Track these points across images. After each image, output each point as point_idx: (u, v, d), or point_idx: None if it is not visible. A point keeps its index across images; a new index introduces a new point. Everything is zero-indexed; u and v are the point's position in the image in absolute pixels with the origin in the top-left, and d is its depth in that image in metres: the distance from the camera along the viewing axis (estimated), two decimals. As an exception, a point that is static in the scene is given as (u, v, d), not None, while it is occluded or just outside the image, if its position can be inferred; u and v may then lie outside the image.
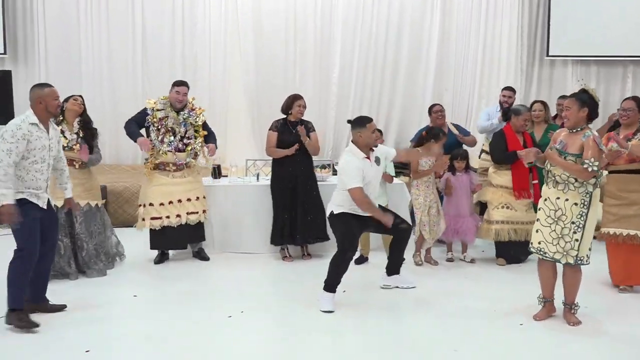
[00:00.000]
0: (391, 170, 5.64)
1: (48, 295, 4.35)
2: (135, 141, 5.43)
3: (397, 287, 4.89)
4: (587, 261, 4.03)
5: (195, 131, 5.63)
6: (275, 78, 9.09)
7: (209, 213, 5.85)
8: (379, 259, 5.57)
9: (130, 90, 8.97)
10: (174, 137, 5.49)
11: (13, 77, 7.56)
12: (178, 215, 5.55)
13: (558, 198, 3.99)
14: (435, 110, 6.37)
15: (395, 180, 5.97)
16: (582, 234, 3.97)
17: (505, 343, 3.86)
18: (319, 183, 5.99)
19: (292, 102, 5.73)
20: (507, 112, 5.72)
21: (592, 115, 4.02)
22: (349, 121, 4.72)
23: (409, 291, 4.85)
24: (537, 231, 4.12)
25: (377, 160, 4.63)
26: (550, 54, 9.32)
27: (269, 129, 5.77)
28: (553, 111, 6.61)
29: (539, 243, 4.10)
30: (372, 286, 4.96)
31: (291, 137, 5.68)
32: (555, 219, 4.01)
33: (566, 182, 3.96)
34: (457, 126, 6.57)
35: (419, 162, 5.57)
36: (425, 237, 5.58)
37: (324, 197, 5.81)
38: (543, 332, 4.01)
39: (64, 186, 4.42)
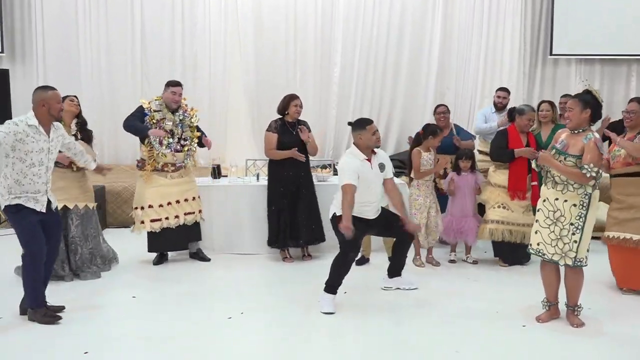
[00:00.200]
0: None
1: (47, 296, 4.34)
2: (146, 135, 5.35)
3: (398, 288, 4.90)
4: (585, 262, 4.04)
5: (191, 131, 5.65)
6: (275, 78, 9.08)
7: (208, 213, 5.87)
8: (380, 260, 5.59)
9: (130, 89, 8.96)
10: (172, 138, 5.50)
11: (11, 76, 7.56)
12: (176, 216, 5.57)
13: (557, 199, 4.00)
14: (438, 112, 6.39)
15: (396, 180, 5.96)
16: (581, 235, 3.97)
17: (507, 344, 3.87)
18: (319, 183, 6.00)
19: (289, 102, 5.73)
20: (512, 112, 5.72)
21: (595, 116, 4.01)
22: (349, 123, 4.73)
23: (410, 292, 4.86)
24: (536, 232, 4.14)
25: (381, 167, 4.65)
26: (553, 52, 9.31)
27: (268, 130, 5.74)
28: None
29: (538, 244, 4.12)
30: (373, 287, 4.97)
31: (291, 138, 5.68)
32: (554, 220, 4.01)
33: (565, 183, 3.96)
34: (458, 128, 6.53)
35: (420, 162, 5.57)
36: (421, 241, 5.58)
37: (324, 197, 5.82)
38: (545, 334, 4.02)
39: (89, 163, 4.60)
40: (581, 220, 3.97)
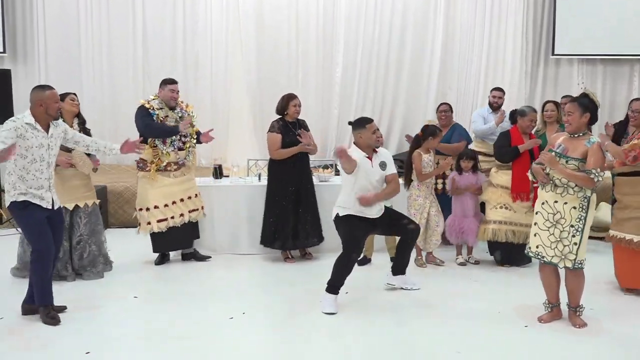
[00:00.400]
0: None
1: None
2: (177, 132, 5.41)
3: (401, 288, 4.90)
4: (584, 264, 4.04)
5: (190, 127, 5.66)
6: (277, 77, 9.10)
7: (210, 213, 5.88)
8: (381, 260, 5.59)
9: (131, 89, 8.99)
10: (175, 135, 5.51)
11: (12, 76, 7.57)
12: (181, 215, 5.59)
13: (556, 202, 4.00)
14: (440, 110, 6.39)
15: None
16: (581, 237, 3.98)
17: (509, 345, 3.86)
18: (321, 183, 6.00)
19: (287, 102, 5.72)
20: (513, 114, 5.73)
21: (593, 120, 4.05)
22: (349, 123, 4.73)
23: (412, 293, 4.86)
24: (535, 235, 4.13)
25: (383, 165, 4.65)
26: (555, 52, 9.32)
27: (270, 131, 5.72)
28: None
29: (537, 247, 4.11)
30: (375, 288, 4.97)
31: (294, 137, 5.68)
32: (554, 223, 4.01)
33: (565, 186, 3.96)
34: (454, 127, 6.42)
35: (421, 164, 5.57)
36: (418, 244, 5.55)
37: (326, 197, 5.83)
38: (547, 334, 4.02)
39: (109, 147, 4.58)
40: (581, 222, 3.98)
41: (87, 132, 5.25)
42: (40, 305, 4.18)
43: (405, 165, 5.70)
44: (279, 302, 4.67)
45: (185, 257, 5.85)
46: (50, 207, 4.15)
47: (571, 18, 9.12)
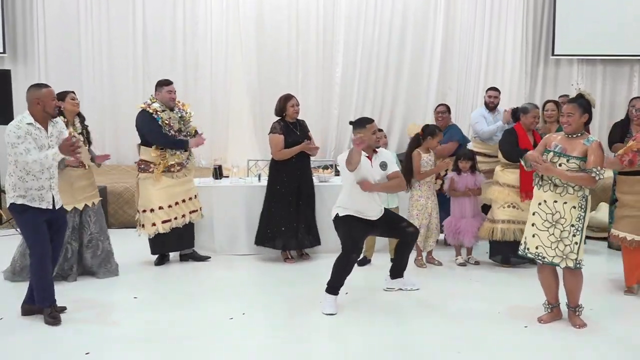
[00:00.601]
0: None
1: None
2: (189, 146, 5.48)
3: (400, 289, 4.91)
4: (583, 264, 4.05)
5: (191, 124, 5.70)
6: (277, 77, 9.10)
7: (209, 214, 5.89)
8: (381, 261, 5.59)
9: (131, 89, 8.99)
10: (180, 136, 5.52)
11: (12, 77, 7.57)
12: (183, 215, 5.60)
13: (555, 201, 4.00)
14: (437, 111, 6.42)
15: None
16: (581, 237, 3.99)
17: (510, 345, 3.86)
18: (321, 184, 6.01)
19: (284, 103, 5.72)
20: (516, 112, 5.73)
21: (589, 120, 4.09)
22: (350, 122, 4.74)
23: (412, 293, 4.86)
24: (533, 236, 4.11)
25: (383, 165, 4.65)
26: (555, 53, 9.32)
27: (272, 133, 5.70)
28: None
29: (537, 248, 4.09)
30: (375, 288, 4.97)
31: (295, 138, 5.70)
32: (553, 223, 4.01)
33: (565, 185, 3.96)
34: (449, 127, 6.44)
35: (421, 163, 5.57)
36: (419, 243, 5.55)
37: (325, 198, 5.84)
38: (547, 335, 4.02)
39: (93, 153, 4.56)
40: (580, 222, 3.98)
41: (88, 131, 5.25)
42: (43, 306, 4.18)
43: (404, 165, 5.67)
44: (278, 302, 4.67)
45: (183, 258, 5.84)
46: (50, 208, 4.14)
47: (571, 18, 9.12)
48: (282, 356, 3.75)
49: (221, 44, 9.09)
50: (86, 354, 3.67)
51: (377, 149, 4.68)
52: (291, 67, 9.18)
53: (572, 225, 3.97)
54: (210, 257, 5.85)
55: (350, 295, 4.69)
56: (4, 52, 8.77)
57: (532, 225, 4.12)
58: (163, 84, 5.54)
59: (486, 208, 6.24)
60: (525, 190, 5.40)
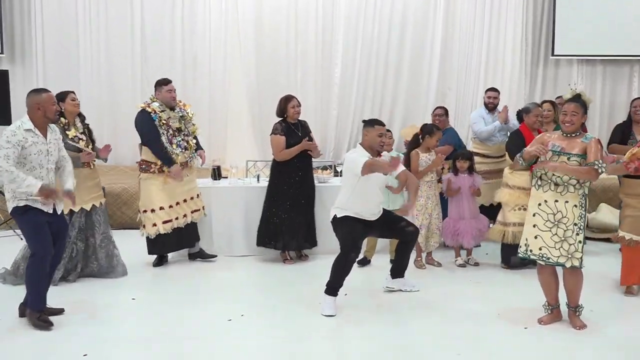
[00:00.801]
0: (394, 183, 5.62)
1: (46, 299, 4.35)
2: (172, 171, 5.41)
3: (400, 290, 4.91)
4: (584, 264, 4.06)
5: (192, 125, 5.70)
6: (276, 77, 9.08)
7: (208, 215, 5.88)
8: (381, 261, 5.59)
9: (129, 89, 8.97)
10: (180, 136, 5.53)
11: (10, 77, 7.56)
12: (185, 215, 5.61)
13: (557, 201, 4.00)
14: (435, 114, 6.42)
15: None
16: (583, 236, 4.00)
17: (509, 347, 3.87)
18: (320, 185, 6.00)
19: (285, 104, 5.73)
20: (519, 113, 5.74)
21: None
22: (363, 121, 4.78)
23: (412, 294, 4.86)
24: (535, 237, 4.09)
25: None
26: (555, 53, 9.32)
27: (274, 134, 5.69)
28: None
29: (540, 249, 4.07)
30: (375, 289, 4.97)
31: (297, 139, 5.70)
32: (556, 222, 4.01)
33: (565, 184, 3.96)
34: (446, 130, 6.41)
35: (419, 164, 5.57)
36: (420, 243, 5.56)
37: (324, 200, 5.84)
38: (548, 336, 4.01)
39: (64, 180, 4.34)
40: (582, 220, 4.00)
41: (89, 129, 5.23)
42: (31, 309, 4.12)
43: (404, 165, 5.67)
44: (277, 303, 4.67)
45: (192, 257, 5.86)
46: (51, 212, 4.11)
47: (571, 18, 9.12)
48: (280, 358, 3.74)
49: (220, 43, 9.08)
50: (84, 355, 3.67)
51: (381, 154, 4.68)
52: (290, 67, 9.17)
53: (575, 224, 3.97)
54: (216, 256, 5.85)
55: (350, 296, 4.69)
56: (2, 52, 8.76)
57: (534, 226, 4.10)
58: (162, 83, 5.54)
59: (484, 209, 6.25)
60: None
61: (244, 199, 6.05)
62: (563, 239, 3.99)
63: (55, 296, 4.48)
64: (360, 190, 4.50)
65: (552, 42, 9.29)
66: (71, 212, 4.97)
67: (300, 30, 9.13)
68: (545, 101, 6.26)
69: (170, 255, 5.86)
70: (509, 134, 6.26)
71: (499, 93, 6.82)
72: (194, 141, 5.70)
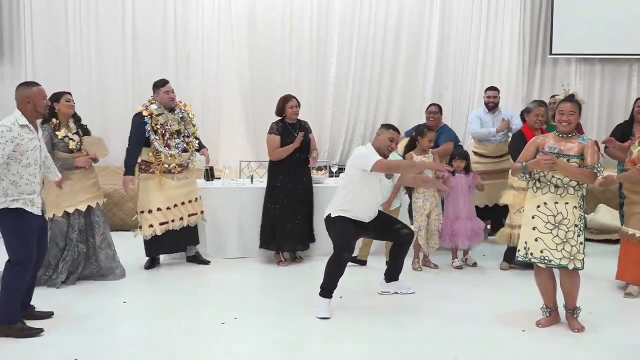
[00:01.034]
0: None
1: (35, 302, 4.33)
2: (125, 180, 5.43)
3: (396, 293, 4.91)
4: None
5: (192, 126, 5.70)
6: (270, 76, 9.06)
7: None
8: (377, 264, 5.59)
9: (121, 88, 8.94)
10: (179, 138, 5.52)
11: (-1, 76, 7.55)
12: (181, 219, 5.60)
13: (557, 203, 4.01)
14: (429, 111, 6.40)
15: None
16: (584, 237, 4.02)
17: (507, 350, 3.87)
18: (315, 185, 6.01)
19: (284, 104, 5.77)
20: (522, 114, 5.76)
21: None
22: (382, 125, 4.87)
23: (408, 297, 4.87)
24: (536, 240, 4.09)
25: (388, 174, 4.68)
26: (553, 52, 9.33)
27: (270, 133, 5.74)
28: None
29: (542, 252, 4.07)
30: (370, 292, 4.97)
31: (293, 139, 5.71)
32: (556, 225, 4.01)
33: (566, 186, 3.98)
34: (443, 128, 6.44)
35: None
36: (421, 244, 5.58)
37: (320, 201, 5.84)
38: (546, 339, 4.02)
39: (55, 172, 4.43)
40: (582, 221, 4.02)
41: (86, 130, 5.21)
42: (6, 324, 3.96)
43: None
44: (271, 307, 4.66)
45: (190, 260, 5.87)
46: (40, 214, 4.08)
47: (569, 17, 9.13)
48: (275, 362, 3.75)
49: (213, 42, 9.05)
50: (74, 360, 3.66)
51: (387, 157, 4.71)
52: (284, 66, 9.15)
53: (576, 226, 3.99)
54: (209, 262, 5.84)
55: (345, 299, 4.69)
56: (-10, 50, 8.74)
57: (534, 229, 4.09)
58: (159, 85, 5.54)
59: (482, 211, 6.27)
60: None
61: (237, 201, 6.04)
62: (565, 240, 4.00)
63: (43, 300, 4.47)
64: (360, 189, 4.51)
65: (550, 41, 9.30)
66: (67, 214, 4.96)
67: (295, 28, 9.11)
68: (535, 102, 6.25)
69: (162, 258, 5.85)
70: (510, 134, 6.30)
71: (499, 92, 6.81)
72: (196, 142, 5.70)
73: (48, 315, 4.30)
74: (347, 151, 9.29)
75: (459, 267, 5.71)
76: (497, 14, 9.32)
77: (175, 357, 3.75)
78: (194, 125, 5.72)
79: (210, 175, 6.28)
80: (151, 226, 5.45)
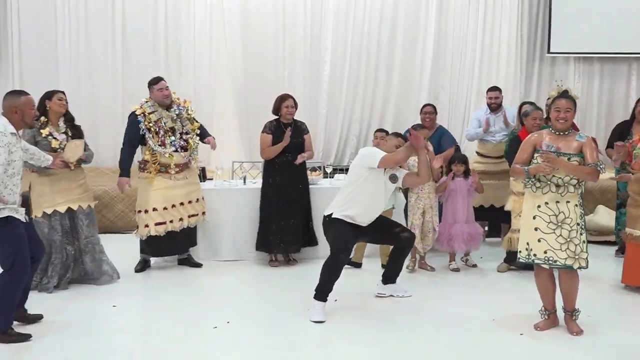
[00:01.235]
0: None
1: (25, 305, 4.31)
2: (120, 175, 5.45)
3: (392, 295, 4.91)
4: None
5: (191, 123, 5.68)
6: (263, 72, 9.04)
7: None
8: (372, 266, 5.60)
9: (110, 86, 8.88)
10: (174, 135, 5.50)
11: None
12: (181, 219, 5.57)
13: (558, 202, 4.01)
14: (424, 112, 6.39)
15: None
16: (586, 235, 4.04)
17: (505, 354, 3.88)
18: (310, 186, 6.01)
19: (279, 103, 5.80)
20: (521, 118, 5.76)
21: None
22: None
23: (404, 300, 4.87)
24: (539, 240, 4.07)
25: (393, 178, 4.67)
26: (551, 50, 9.37)
27: (262, 132, 5.78)
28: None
29: (545, 252, 4.05)
30: (365, 295, 4.97)
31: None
32: (558, 224, 4.01)
33: (567, 184, 3.99)
34: (442, 130, 6.46)
35: (408, 166, 5.57)
36: (416, 246, 5.57)
37: (316, 202, 5.84)
38: (544, 342, 4.04)
39: (46, 157, 4.46)
40: (582, 219, 4.04)
41: (79, 130, 5.17)
42: (4, 331, 3.95)
43: None
44: (265, 310, 4.66)
45: (181, 262, 5.85)
46: (25, 220, 4.04)
47: (567, 15, 9.17)
48: (269, 367, 3.74)
49: (205, 37, 9.00)
50: (63, 365, 3.65)
51: None
52: (278, 61, 9.12)
53: (578, 224, 4.00)
54: (201, 265, 5.84)
55: (340, 301, 4.69)
56: (-24, 48, 8.68)
57: (535, 230, 4.07)
58: (152, 82, 5.55)
59: (483, 211, 6.27)
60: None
61: (230, 202, 6.03)
62: (568, 239, 4.00)
63: (35, 303, 4.45)
64: (363, 188, 4.52)
65: (548, 39, 9.34)
66: (48, 215, 4.92)
67: (288, 23, 9.08)
68: (525, 102, 6.26)
69: (153, 260, 5.83)
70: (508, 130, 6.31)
71: (501, 92, 6.78)
72: (197, 139, 5.69)
73: (37, 318, 4.29)
74: (341, 151, 9.29)
75: (456, 270, 5.72)
76: (495, 11, 9.35)
77: (167, 362, 3.75)
78: (193, 122, 5.69)
79: (202, 176, 6.27)
80: (146, 226, 5.43)
